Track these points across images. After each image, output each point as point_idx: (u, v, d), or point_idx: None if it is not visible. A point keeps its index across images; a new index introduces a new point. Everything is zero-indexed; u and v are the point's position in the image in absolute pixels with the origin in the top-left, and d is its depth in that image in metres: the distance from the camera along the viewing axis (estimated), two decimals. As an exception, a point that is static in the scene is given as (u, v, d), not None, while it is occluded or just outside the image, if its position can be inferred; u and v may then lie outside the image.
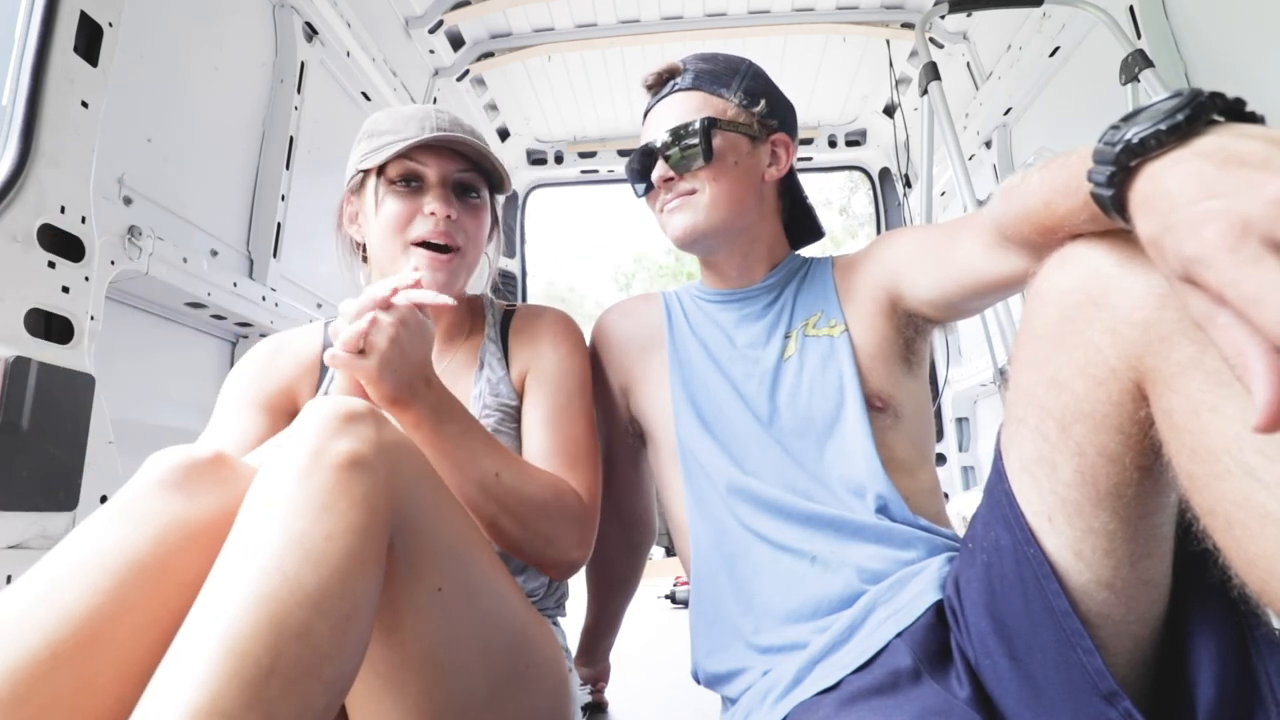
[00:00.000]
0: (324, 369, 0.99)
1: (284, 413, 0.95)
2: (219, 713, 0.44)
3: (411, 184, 0.93)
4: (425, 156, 0.92)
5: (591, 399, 1.00)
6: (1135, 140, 0.42)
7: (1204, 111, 0.41)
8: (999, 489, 0.61)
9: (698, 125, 0.94)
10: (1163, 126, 0.41)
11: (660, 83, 1.01)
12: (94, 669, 0.52)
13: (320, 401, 0.61)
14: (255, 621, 0.47)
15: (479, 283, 1.09)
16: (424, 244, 0.91)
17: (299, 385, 0.98)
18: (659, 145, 0.96)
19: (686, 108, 0.97)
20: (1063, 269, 0.54)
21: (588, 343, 1.09)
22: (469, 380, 0.98)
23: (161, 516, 0.59)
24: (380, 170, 0.93)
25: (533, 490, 0.83)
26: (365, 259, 1.00)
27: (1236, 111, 0.42)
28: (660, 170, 0.96)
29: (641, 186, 1.03)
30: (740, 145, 0.97)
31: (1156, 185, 0.41)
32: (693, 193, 0.95)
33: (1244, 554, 0.43)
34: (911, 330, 0.92)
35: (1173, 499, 0.54)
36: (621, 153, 3.08)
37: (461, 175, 0.95)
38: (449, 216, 0.91)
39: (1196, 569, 0.55)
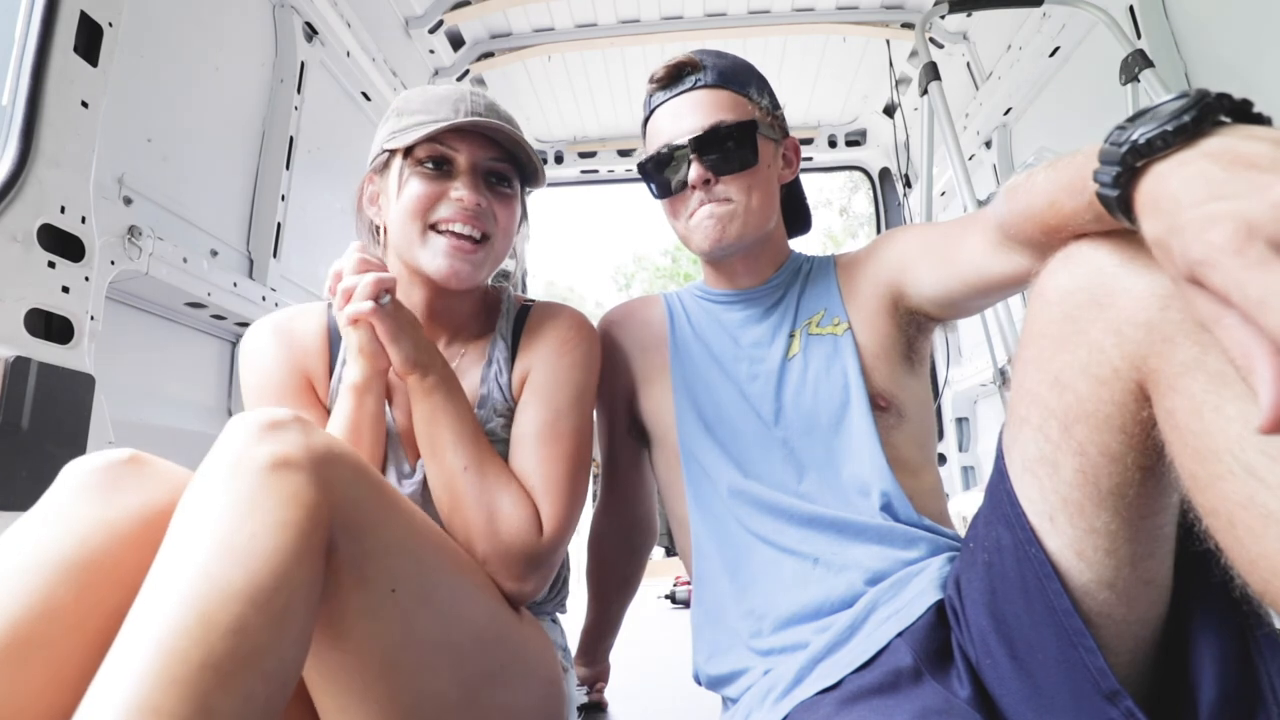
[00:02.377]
0: (334, 346, 0.96)
1: (307, 394, 0.92)
2: (153, 709, 0.45)
3: (440, 167, 0.87)
4: (456, 141, 0.87)
5: (589, 413, 0.94)
6: (1142, 141, 0.42)
7: (1211, 112, 0.41)
8: (1001, 488, 0.61)
9: (743, 127, 0.91)
10: (1169, 127, 0.41)
11: (676, 77, 0.95)
12: (27, 671, 0.52)
13: (243, 414, 0.62)
14: (184, 621, 0.48)
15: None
16: (448, 231, 0.87)
17: (311, 365, 0.94)
18: (696, 144, 0.90)
19: (717, 106, 0.92)
20: (1066, 268, 0.54)
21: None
22: (475, 377, 0.95)
23: (83, 519, 0.60)
24: (408, 151, 0.88)
25: (484, 503, 0.80)
26: (383, 243, 0.96)
27: (1243, 112, 0.42)
28: (697, 172, 0.90)
29: (659, 189, 0.97)
30: (770, 150, 0.96)
31: (1162, 186, 0.41)
32: (729, 200, 0.92)
33: (1246, 554, 0.43)
34: (914, 329, 0.92)
35: (1174, 499, 0.54)
36: (621, 153, 3.08)
37: (494, 164, 0.89)
38: (479, 204, 0.86)
39: (1198, 569, 0.55)
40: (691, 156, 0.91)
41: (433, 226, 0.87)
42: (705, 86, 0.93)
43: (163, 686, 0.45)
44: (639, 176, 1.03)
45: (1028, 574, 0.58)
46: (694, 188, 0.92)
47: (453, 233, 0.86)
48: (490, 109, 0.90)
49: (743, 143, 0.91)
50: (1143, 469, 0.51)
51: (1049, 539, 0.57)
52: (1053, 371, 0.54)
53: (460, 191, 0.86)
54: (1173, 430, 0.47)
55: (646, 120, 1.00)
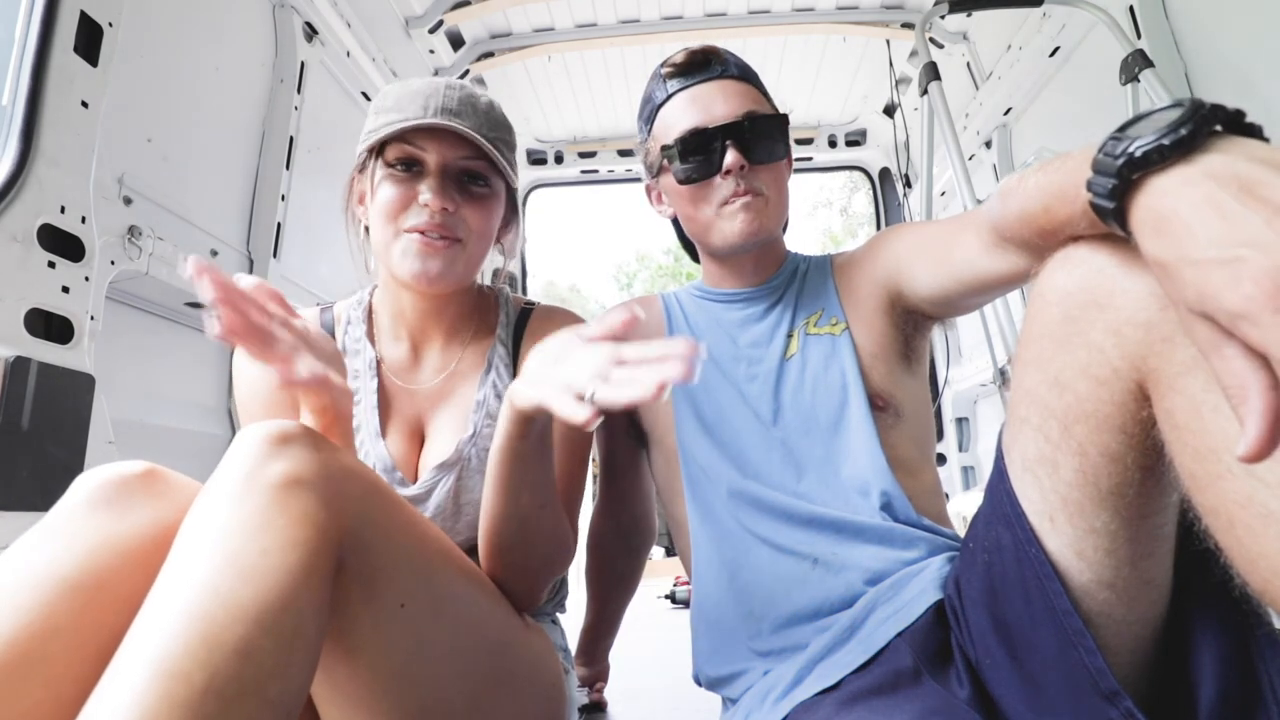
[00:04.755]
0: None
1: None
2: None
3: (411, 168, 0.84)
4: (425, 140, 0.83)
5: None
6: (1138, 154, 0.42)
7: (1206, 125, 0.41)
8: (1000, 488, 0.61)
9: (778, 120, 0.92)
10: (1166, 141, 0.41)
11: (702, 64, 0.94)
12: (25, 689, 0.51)
13: (253, 426, 0.60)
14: (188, 640, 0.46)
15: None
16: (416, 233, 0.84)
17: None
18: (732, 130, 0.89)
19: (748, 96, 0.93)
20: (1065, 269, 0.54)
21: None
22: (474, 383, 0.93)
23: (91, 534, 0.58)
24: (379, 151, 0.86)
25: (555, 540, 0.80)
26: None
27: (1236, 123, 0.42)
28: (734, 158, 0.88)
29: (684, 174, 0.93)
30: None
31: (1165, 205, 0.41)
32: (761, 191, 0.92)
33: (1246, 553, 0.43)
34: (910, 327, 0.92)
35: (1174, 499, 0.54)
36: (621, 153, 3.08)
37: (466, 163, 0.86)
38: (445, 209, 0.83)
39: (1198, 569, 0.55)
40: (728, 142, 0.90)
41: (402, 231, 0.85)
42: (731, 78, 0.93)
43: (162, 710, 0.44)
44: (648, 168, 1.01)
45: (1027, 574, 0.58)
46: (727, 174, 0.90)
47: (419, 233, 0.84)
48: (465, 102, 0.86)
49: (777, 135, 0.92)
50: (1143, 469, 0.51)
51: (1049, 539, 0.57)
52: (1052, 372, 0.54)
53: (426, 195, 0.83)
54: (1172, 430, 0.47)
55: (659, 107, 0.97)
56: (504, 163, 0.87)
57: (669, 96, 0.96)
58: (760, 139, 0.91)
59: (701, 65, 0.94)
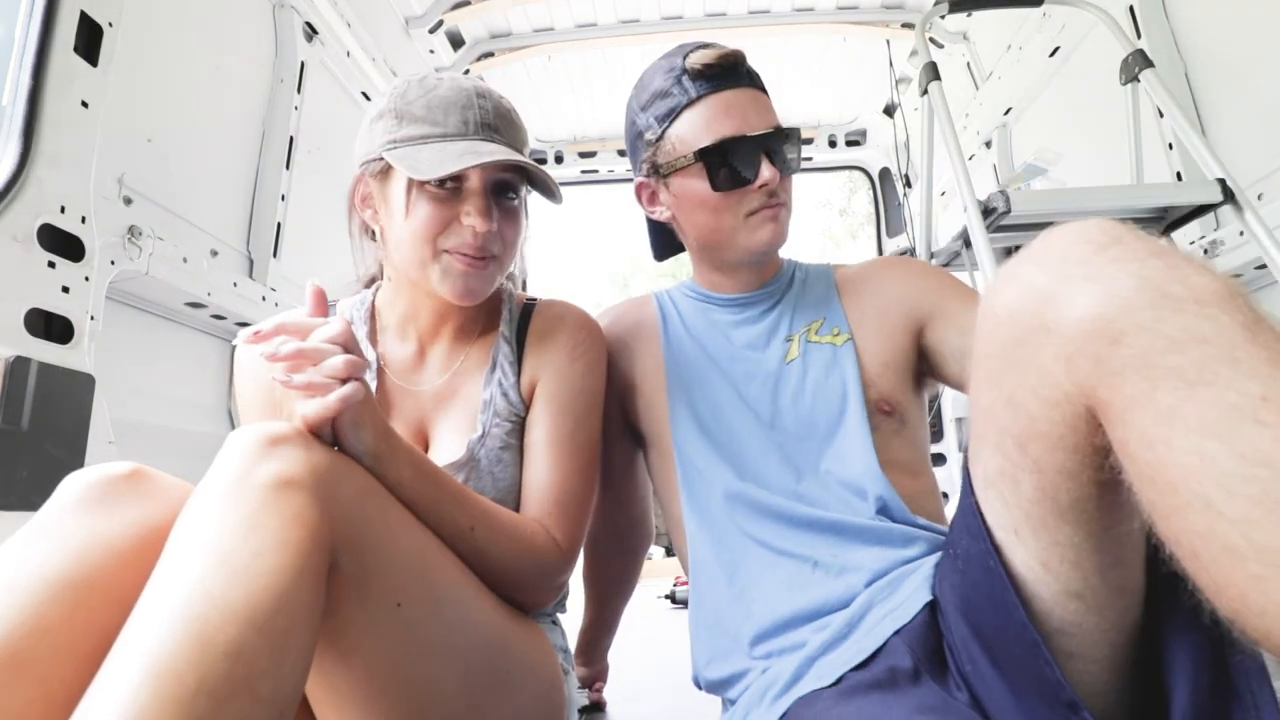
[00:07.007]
0: None
1: None
2: None
3: (449, 186, 0.83)
4: None
5: (600, 421, 0.94)
6: None
7: None
8: (967, 501, 0.61)
9: (799, 133, 0.93)
10: None
11: (730, 69, 0.91)
12: (15, 691, 0.51)
13: (244, 428, 0.60)
14: (180, 641, 0.47)
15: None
16: (457, 253, 0.84)
17: None
18: (770, 139, 0.89)
19: (771, 110, 0.93)
20: (1014, 287, 0.51)
21: None
22: (479, 381, 0.92)
23: (80, 535, 0.59)
24: None
25: (505, 547, 0.78)
26: (375, 239, 0.93)
27: None
28: (771, 172, 0.89)
29: (722, 180, 0.90)
30: None
31: None
32: (784, 203, 0.93)
33: (1212, 582, 0.41)
34: (925, 365, 0.95)
35: (1140, 509, 0.53)
36: (621, 153, 3.08)
37: (504, 176, 0.86)
38: (489, 231, 0.83)
39: (1171, 572, 0.54)
40: (764, 154, 0.89)
41: (441, 251, 0.84)
42: (758, 88, 0.93)
43: (154, 709, 0.44)
44: (655, 168, 0.95)
45: (995, 585, 0.57)
46: (762, 186, 0.90)
47: (462, 254, 0.84)
48: (499, 114, 0.86)
49: (799, 149, 0.94)
50: (1100, 484, 0.50)
51: (1014, 552, 0.56)
52: (1006, 391, 0.53)
53: (472, 218, 0.82)
54: (1128, 459, 0.45)
55: (683, 107, 0.91)
56: (551, 180, 0.89)
57: (698, 98, 0.90)
58: (789, 152, 0.92)
59: (731, 70, 0.91)
